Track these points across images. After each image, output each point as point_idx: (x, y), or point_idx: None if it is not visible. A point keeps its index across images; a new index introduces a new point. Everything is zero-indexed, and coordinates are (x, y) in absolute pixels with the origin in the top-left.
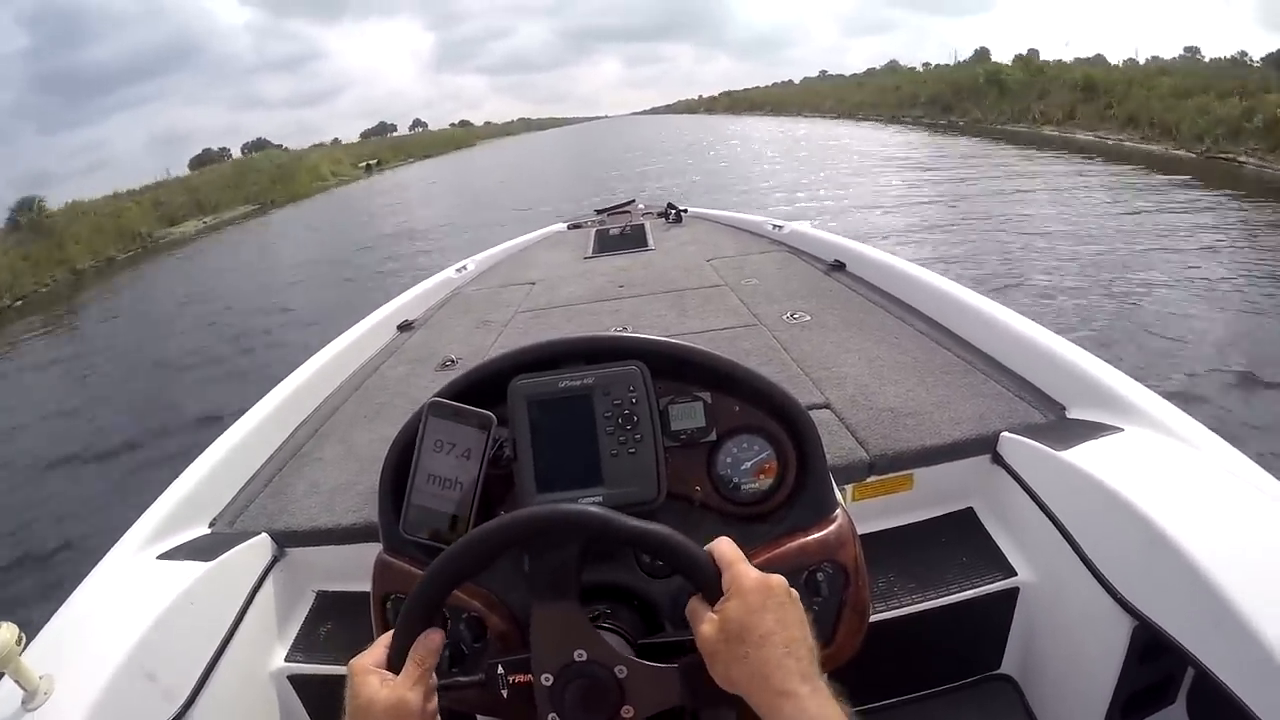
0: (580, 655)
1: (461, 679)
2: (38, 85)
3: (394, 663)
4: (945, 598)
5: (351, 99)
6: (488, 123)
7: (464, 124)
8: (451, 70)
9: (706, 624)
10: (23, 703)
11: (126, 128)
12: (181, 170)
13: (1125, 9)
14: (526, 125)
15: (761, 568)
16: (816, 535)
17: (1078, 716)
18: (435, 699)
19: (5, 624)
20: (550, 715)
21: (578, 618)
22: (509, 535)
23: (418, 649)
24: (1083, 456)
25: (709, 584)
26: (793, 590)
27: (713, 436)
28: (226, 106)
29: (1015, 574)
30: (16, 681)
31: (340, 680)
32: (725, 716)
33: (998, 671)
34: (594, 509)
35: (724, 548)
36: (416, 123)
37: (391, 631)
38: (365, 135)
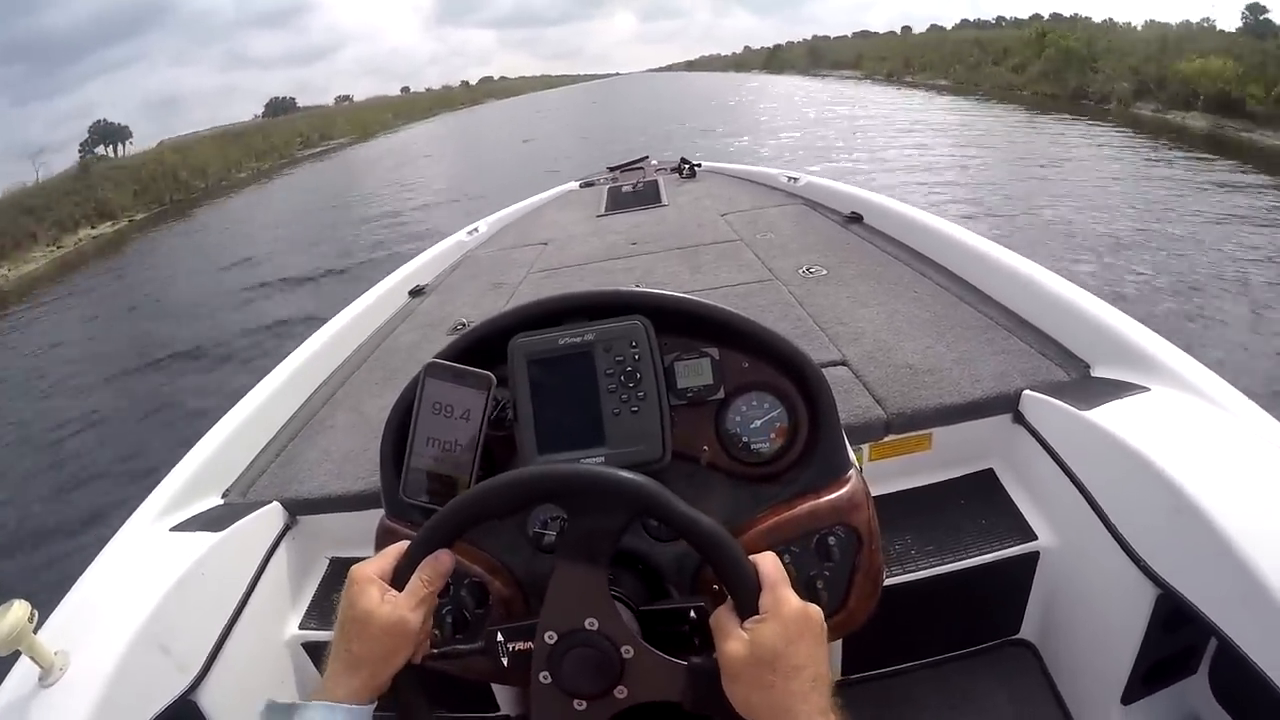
0: (591, 624)
1: (462, 646)
2: None
3: (399, 576)
4: (964, 561)
5: (351, 56)
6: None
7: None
8: (455, 24)
9: (735, 641)
10: (39, 680)
11: (110, 93)
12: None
13: None
14: (477, 92)
15: (771, 530)
16: (828, 498)
17: (1097, 684)
18: (430, 621)
19: (18, 602)
20: (542, 673)
21: (601, 587)
22: (563, 486)
23: (426, 568)
24: (1107, 417)
25: (748, 599)
26: (824, 623)
27: (721, 394)
28: (215, 67)
29: (1036, 538)
30: (32, 659)
31: None
32: None
33: (1017, 636)
34: (655, 484)
35: (769, 565)
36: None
37: (399, 544)
38: None
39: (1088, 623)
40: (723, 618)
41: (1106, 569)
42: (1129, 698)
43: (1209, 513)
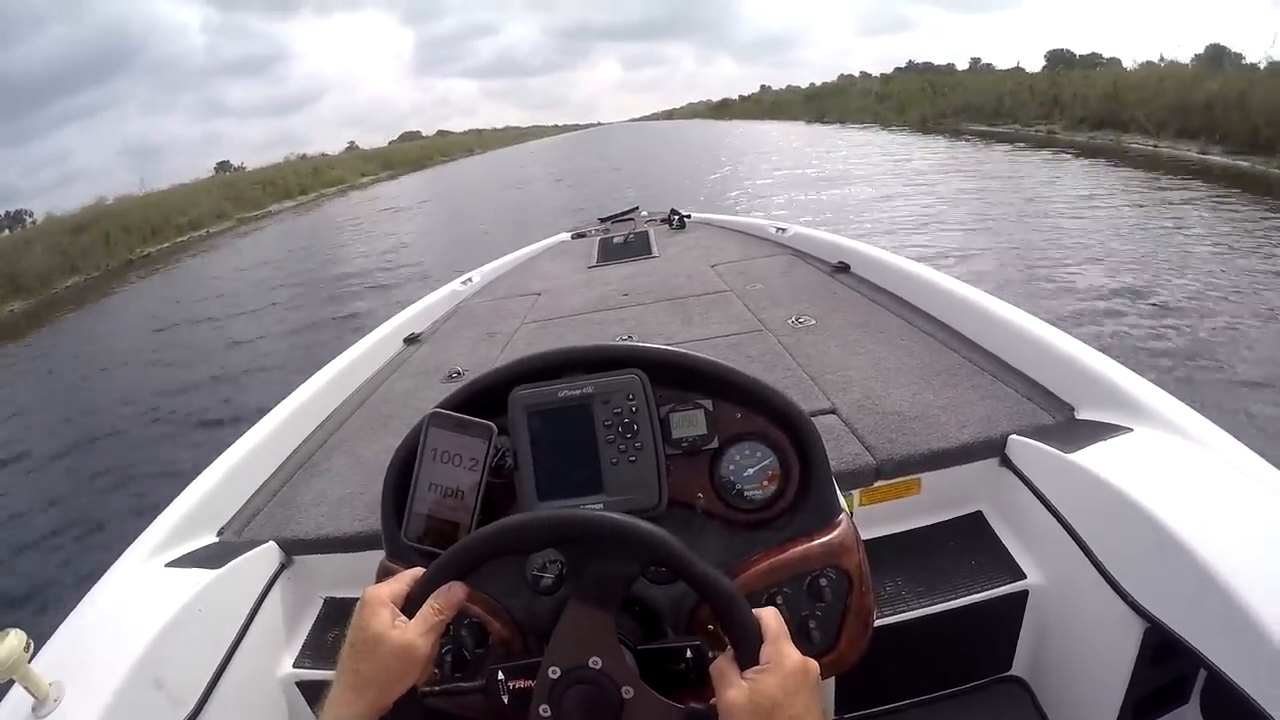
0: (595, 663)
1: (463, 684)
2: None
3: (412, 602)
4: (955, 601)
5: (332, 106)
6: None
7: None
8: (436, 74)
9: (735, 690)
10: (33, 710)
11: (84, 139)
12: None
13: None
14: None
15: (764, 572)
16: (820, 541)
17: (1090, 717)
18: (436, 650)
19: (14, 631)
20: (542, 706)
21: (608, 629)
22: (585, 531)
23: (439, 596)
24: (1092, 458)
25: (749, 650)
26: (819, 677)
27: (715, 444)
28: (189, 115)
29: (1025, 577)
30: (26, 689)
31: None
32: None
33: (1008, 673)
34: (672, 539)
35: (770, 619)
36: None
37: (413, 570)
38: None
39: (1078, 658)
40: (723, 666)
41: (1094, 605)
42: None
43: (1193, 547)
